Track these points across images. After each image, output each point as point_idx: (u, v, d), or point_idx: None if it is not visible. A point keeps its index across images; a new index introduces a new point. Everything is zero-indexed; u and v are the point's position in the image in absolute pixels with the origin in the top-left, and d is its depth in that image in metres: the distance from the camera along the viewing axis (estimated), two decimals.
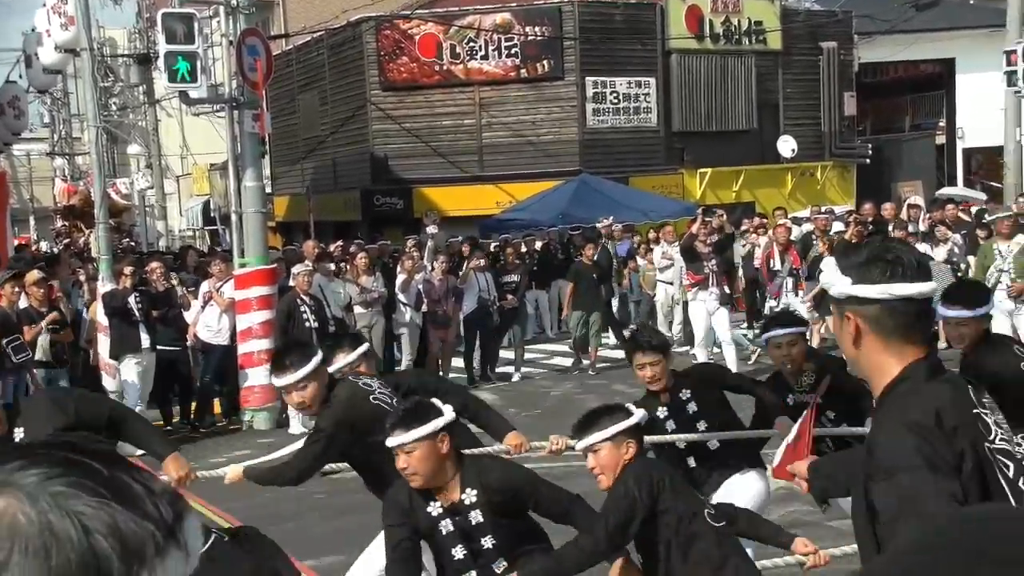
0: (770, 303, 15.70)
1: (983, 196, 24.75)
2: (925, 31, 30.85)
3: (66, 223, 32.50)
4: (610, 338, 17.49)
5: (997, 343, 5.63)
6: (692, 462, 5.78)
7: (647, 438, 5.61)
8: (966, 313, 5.38)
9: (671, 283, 16.87)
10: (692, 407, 5.79)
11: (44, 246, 31.86)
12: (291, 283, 13.00)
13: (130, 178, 34.60)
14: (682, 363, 15.24)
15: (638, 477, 4.33)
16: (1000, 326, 12.17)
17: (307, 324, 12.38)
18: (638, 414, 4.57)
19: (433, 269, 14.95)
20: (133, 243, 30.05)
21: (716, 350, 14.07)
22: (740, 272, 17.66)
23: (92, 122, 14.05)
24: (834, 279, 2.54)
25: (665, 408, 5.78)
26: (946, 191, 25.66)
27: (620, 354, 16.41)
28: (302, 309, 12.49)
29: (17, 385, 10.93)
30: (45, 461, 0.99)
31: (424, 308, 14.76)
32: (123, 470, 1.03)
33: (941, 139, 33.90)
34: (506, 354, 15.97)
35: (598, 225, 18.02)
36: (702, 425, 5.79)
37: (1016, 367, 5.33)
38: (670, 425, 5.80)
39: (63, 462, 1.00)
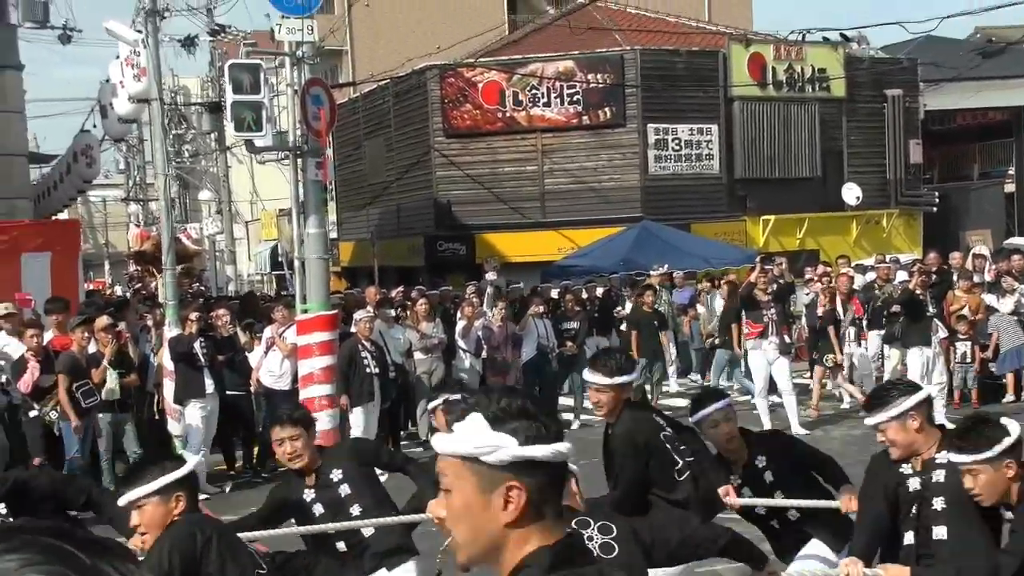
0: None
1: None
2: (993, 78, 30.56)
3: (138, 268, 33.11)
4: (671, 386, 17.41)
5: (636, 412, 5.58)
6: (343, 546, 5.37)
7: (302, 528, 5.33)
8: (604, 380, 5.34)
9: None
10: (345, 489, 5.34)
11: (119, 290, 32.45)
12: (352, 329, 13.13)
13: (201, 223, 35.27)
14: (742, 414, 15.14)
15: (174, 542, 3.87)
16: None
17: (368, 370, 12.51)
18: (191, 462, 4.18)
19: (493, 315, 15.02)
20: (203, 287, 30.53)
21: (776, 399, 13.92)
22: (803, 321, 17.50)
23: (161, 170, 14.36)
24: (490, 440, 2.01)
25: (312, 490, 5.31)
26: (1013, 241, 25.24)
27: (679, 402, 16.33)
28: (363, 355, 12.61)
29: (87, 430, 11.15)
30: (27, 547, 0.99)
31: (484, 355, 14.79)
32: (107, 560, 1.02)
33: (1011, 187, 33.43)
34: (566, 401, 15.91)
35: (652, 273, 17.99)
36: (356, 508, 5.34)
37: (655, 434, 5.36)
38: (318, 508, 5.31)
39: (45, 549, 0.99)
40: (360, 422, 12.49)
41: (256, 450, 13.10)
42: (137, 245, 35.33)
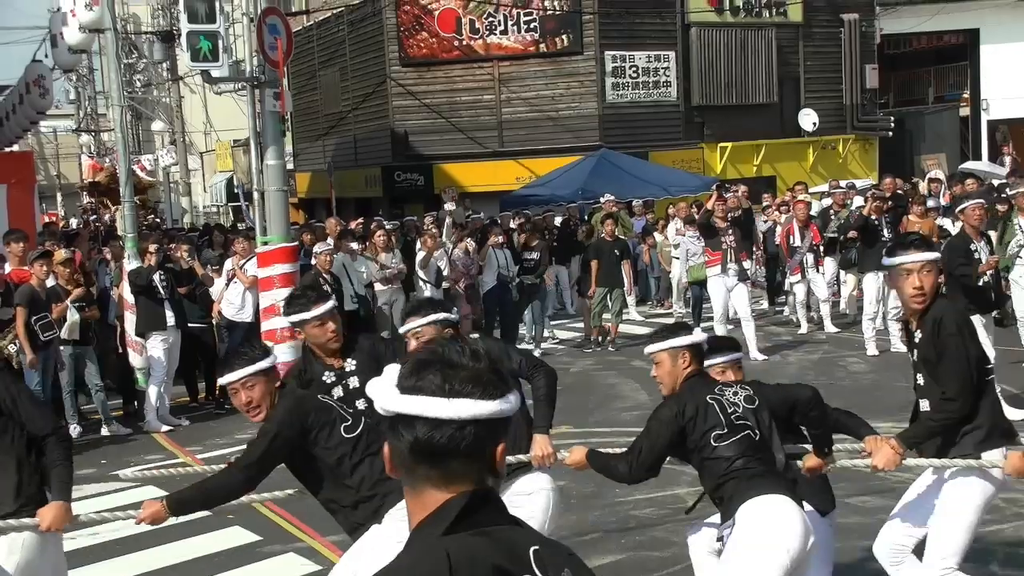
0: (790, 279, 15.76)
1: (1004, 170, 24.62)
2: (949, 1, 30.67)
3: (92, 199, 32.75)
4: (631, 314, 17.55)
5: None
6: None
7: None
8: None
9: None
10: None
11: (73, 223, 32.06)
12: (312, 261, 13.14)
13: (154, 155, 34.83)
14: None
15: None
16: (1018, 300, 12.17)
17: None
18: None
19: (455, 245, 15.08)
20: (158, 220, 30.29)
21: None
22: (762, 248, 17.69)
23: (116, 102, 14.14)
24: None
25: None
26: (968, 165, 25.51)
27: (639, 330, 16.51)
28: (323, 288, 12.61)
29: (47, 362, 11.12)
30: None
31: (445, 285, 14.85)
32: None
33: (965, 111, 33.72)
34: (525, 330, 15.96)
35: (602, 200, 18.13)
36: None
37: None
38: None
39: None
40: None
41: (218, 382, 13.13)
42: (90, 176, 34.98)
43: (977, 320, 10.55)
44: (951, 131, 32.97)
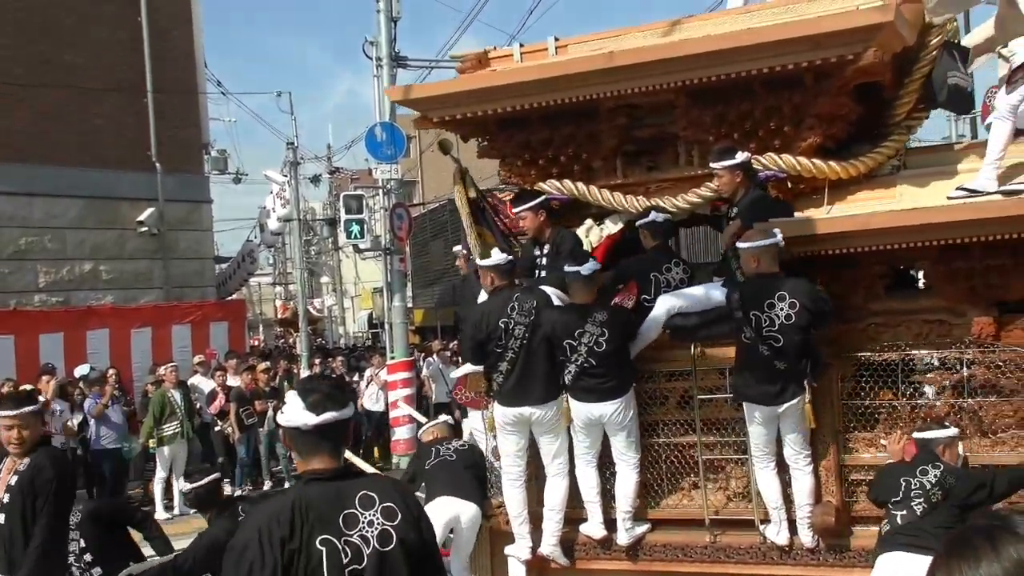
0: None
1: None
2: None
3: (282, 329, 33.39)
4: None
5: None
6: None
7: None
8: None
9: None
10: None
11: (270, 345, 32.68)
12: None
13: (322, 299, 35.55)
14: None
15: None
16: None
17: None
18: None
19: None
20: (323, 342, 30.75)
21: None
22: None
23: (298, 265, 14.70)
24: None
25: None
26: None
27: None
28: None
29: (248, 440, 11.35)
30: None
31: None
32: None
33: None
34: None
35: None
36: None
37: None
38: None
39: None
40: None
41: (361, 452, 13.21)
42: (281, 314, 35.75)
43: None
44: None
